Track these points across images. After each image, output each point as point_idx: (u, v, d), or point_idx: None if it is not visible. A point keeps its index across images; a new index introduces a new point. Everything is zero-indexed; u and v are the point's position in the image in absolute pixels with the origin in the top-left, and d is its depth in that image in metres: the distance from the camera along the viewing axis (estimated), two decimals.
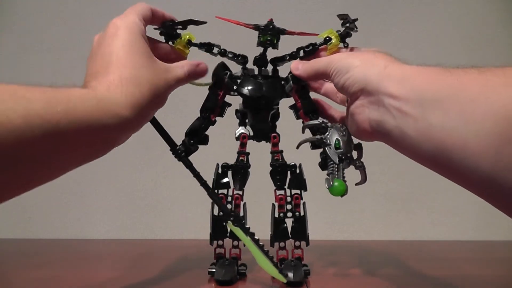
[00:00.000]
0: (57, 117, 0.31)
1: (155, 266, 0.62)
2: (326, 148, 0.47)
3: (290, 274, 0.50)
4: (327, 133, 0.48)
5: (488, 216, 0.88)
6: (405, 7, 0.92)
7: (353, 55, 0.44)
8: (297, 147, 0.49)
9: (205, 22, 0.49)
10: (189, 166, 0.50)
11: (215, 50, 0.51)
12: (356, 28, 0.50)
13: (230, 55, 0.52)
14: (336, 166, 0.46)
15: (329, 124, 0.48)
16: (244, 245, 0.51)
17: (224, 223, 0.51)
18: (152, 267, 0.62)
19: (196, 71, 0.47)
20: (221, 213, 0.52)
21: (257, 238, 0.49)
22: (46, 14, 0.93)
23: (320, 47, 0.51)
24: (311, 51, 0.51)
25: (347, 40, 0.51)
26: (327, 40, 0.50)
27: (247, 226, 0.50)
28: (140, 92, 0.39)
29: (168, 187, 0.91)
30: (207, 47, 0.51)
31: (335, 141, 0.47)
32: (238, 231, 0.49)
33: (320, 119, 0.49)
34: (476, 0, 0.92)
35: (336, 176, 0.46)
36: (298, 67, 0.49)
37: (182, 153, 0.50)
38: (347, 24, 0.49)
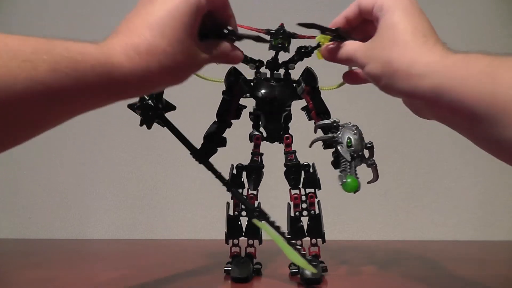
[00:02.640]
0: (63, 84, 0.31)
1: (154, 266, 0.62)
2: (338, 146, 0.48)
3: (308, 272, 0.50)
4: (339, 132, 0.49)
5: (488, 216, 0.88)
6: None
7: (372, 62, 0.41)
8: (310, 146, 0.50)
9: (268, 41, 0.49)
10: (210, 167, 0.51)
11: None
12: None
13: (249, 61, 0.53)
14: (348, 163, 0.47)
15: (340, 123, 0.49)
16: (260, 244, 0.55)
17: (250, 220, 0.52)
18: (152, 267, 0.62)
19: (228, 56, 0.45)
20: (244, 210, 0.53)
21: (283, 231, 0.49)
22: (47, 14, 0.93)
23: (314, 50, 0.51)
24: (308, 53, 0.52)
25: None
26: (319, 45, 0.49)
27: (273, 220, 0.50)
28: (159, 64, 0.36)
29: (168, 187, 0.91)
30: None
31: (347, 139, 0.47)
32: (264, 226, 0.49)
33: (332, 119, 0.50)
34: (476, 0, 0.92)
35: (349, 173, 0.47)
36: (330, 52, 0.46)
37: (203, 156, 0.51)
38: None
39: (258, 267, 0.56)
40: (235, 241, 0.55)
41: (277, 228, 0.49)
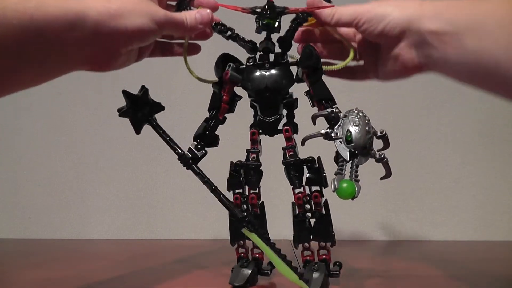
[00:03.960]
0: (30, 11, 0.34)
1: (155, 266, 0.62)
2: (335, 142, 0.42)
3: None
4: (339, 123, 0.43)
5: (488, 216, 0.88)
6: None
7: (382, 4, 0.46)
8: (302, 144, 0.46)
9: None
10: (198, 173, 0.47)
11: (228, 33, 0.50)
12: None
13: (240, 41, 0.50)
14: (345, 163, 0.42)
15: (341, 113, 0.44)
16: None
17: (241, 230, 0.47)
18: (152, 267, 0.62)
19: (198, 17, 0.46)
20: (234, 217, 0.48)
21: (273, 242, 0.46)
22: None
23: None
24: (301, 22, 0.50)
25: None
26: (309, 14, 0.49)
27: (264, 230, 0.47)
28: (122, 4, 0.40)
29: (168, 187, 0.91)
30: (221, 27, 0.50)
31: (347, 133, 0.42)
32: (254, 237, 0.46)
33: (329, 109, 0.45)
34: None
35: (344, 176, 0.41)
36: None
37: (190, 160, 0.47)
38: None
39: (267, 270, 0.52)
40: (241, 242, 0.52)
41: (266, 240, 0.46)
